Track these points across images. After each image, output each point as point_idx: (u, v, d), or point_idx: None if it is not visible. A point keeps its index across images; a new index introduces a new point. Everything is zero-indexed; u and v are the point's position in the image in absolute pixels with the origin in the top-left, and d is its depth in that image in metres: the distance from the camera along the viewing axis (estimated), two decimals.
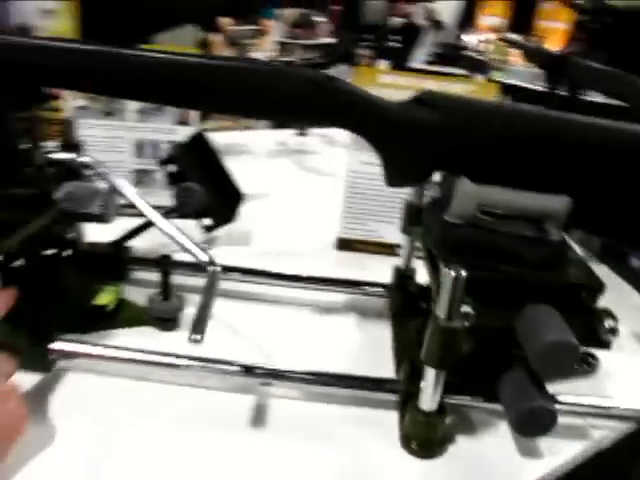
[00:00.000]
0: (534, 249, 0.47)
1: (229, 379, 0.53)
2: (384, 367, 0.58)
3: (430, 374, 0.46)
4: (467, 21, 4.18)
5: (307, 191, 1.11)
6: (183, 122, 0.87)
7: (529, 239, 0.47)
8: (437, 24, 3.18)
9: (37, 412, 0.49)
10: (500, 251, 0.47)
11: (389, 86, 0.80)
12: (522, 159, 0.48)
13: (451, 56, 3.17)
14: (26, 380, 0.52)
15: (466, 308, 0.45)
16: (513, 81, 2.95)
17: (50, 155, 0.58)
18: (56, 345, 0.54)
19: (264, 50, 3.86)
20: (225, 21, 6.69)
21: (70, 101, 0.86)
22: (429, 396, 0.47)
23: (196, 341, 0.45)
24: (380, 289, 0.71)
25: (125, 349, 0.54)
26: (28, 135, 0.56)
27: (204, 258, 0.56)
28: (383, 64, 1.59)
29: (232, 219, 0.83)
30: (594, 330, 0.47)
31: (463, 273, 0.42)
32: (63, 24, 2.14)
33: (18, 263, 0.55)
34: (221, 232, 0.83)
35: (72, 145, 0.62)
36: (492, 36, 3.74)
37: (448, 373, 0.46)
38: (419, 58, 2.66)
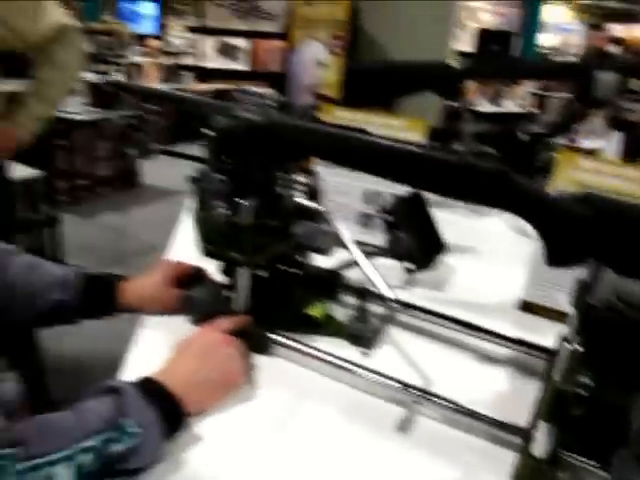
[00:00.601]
0: None
1: (388, 391, 0.69)
2: (523, 417, 0.68)
3: (542, 425, 0.56)
4: None
5: (503, 248, 1.20)
6: None
7: None
8: None
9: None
10: (628, 336, 0.55)
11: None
12: None
13: None
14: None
15: (583, 378, 0.54)
16: None
17: (295, 199, 0.80)
18: (275, 337, 0.75)
19: (514, 98, 3.93)
20: None
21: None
22: (539, 443, 0.57)
23: (365, 354, 0.62)
24: (543, 353, 0.80)
25: (320, 350, 0.73)
26: (287, 185, 0.79)
27: (390, 295, 0.72)
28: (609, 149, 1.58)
29: (431, 266, 0.98)
30: None
31: (580, 349, 0.52)
32: (331, 75, 2.51)
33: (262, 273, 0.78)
34: (420, 275, 0.99)
35: (312, 192, 0.84)
36: None
37: (563, 430, 0.56)
38: None
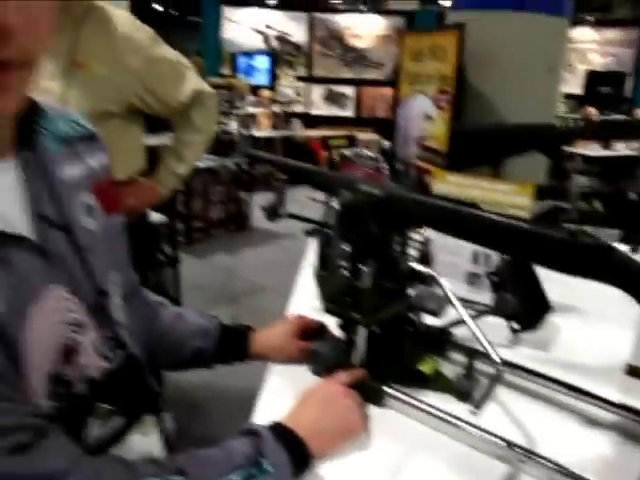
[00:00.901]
0: None
1: (493, 447, 0.74)
2: None
3: None
4: None
5: (611, 309, 1.21)
6: None
7: None
8: None
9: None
10: None
11: None
12: None
13: None
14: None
15: None
16: None
17: (409, 263, 0.88)
18: (388, 389, 0.83)
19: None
20: (591, 111, 6.54)
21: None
22: None
23: (474, 413, 0.68)
24: None
25: (429, 404, 0.79)
26: (402, 250, 0.88)
27: (496, 355, 0.78)
28: None
29: (536, 326, 1.02)
30: None
31: None
32: (438, 128, 2.60)
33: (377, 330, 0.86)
34: (525, 335, 1.03)
35: (424, 257, 0.92)
36: None
37: None
38: None
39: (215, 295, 3.61)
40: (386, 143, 6.85)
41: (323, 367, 0.87)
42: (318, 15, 8.27)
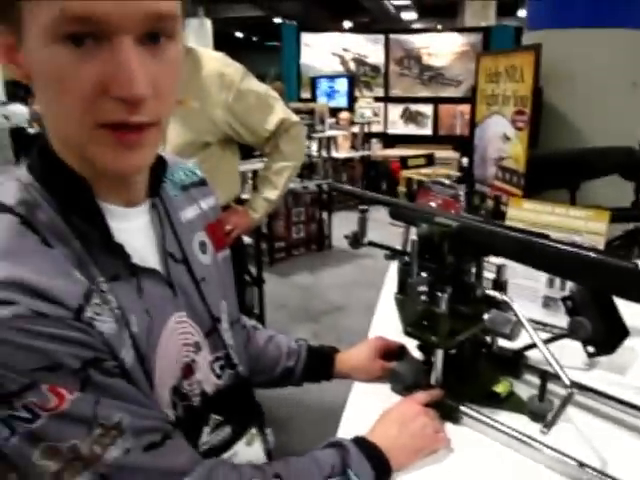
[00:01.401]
0: None
1: (564, 467, 0.78)
2: None
3: None
4: None
5: None
6: None
7: None
8: None
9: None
10: None
11: None
12: None
13: None
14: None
15: None
16: None
17: (485, 290, 0.94)
18: (464, 408, 0.88)
19: None
20: None
21: None
22: None
23: (544, 433, 0.73)
24: None
25: (503, 424, 0.85)
26: (477, 276, 0.94)
27: (566, 380, 0.82)
28: None
29: (613, 351, 1.04)
30: None
31: None
32: (516, 149, 2.61)
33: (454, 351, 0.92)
34: (602, 359, 1.05)
35: (500, 284, 0.97)
36: None
37: None
38: None
39: (296, 314, 3.73)
40: (464, 161, 6.83)
41: (403, 386, 0.94)
42: (394, 36, 8.36)
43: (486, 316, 0.92)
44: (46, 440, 0.55)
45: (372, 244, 1.11)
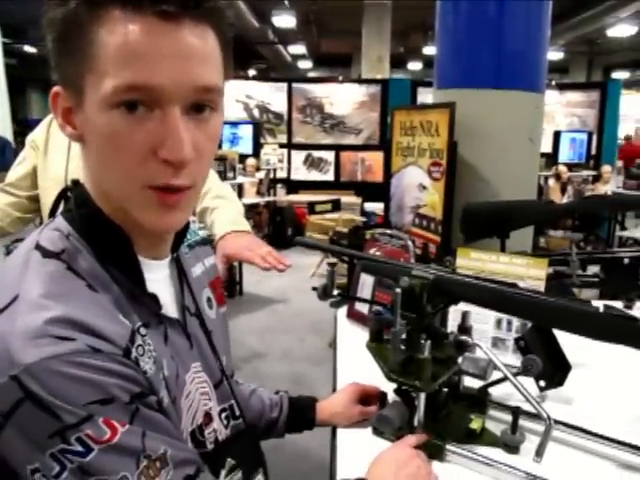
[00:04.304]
0: None
1: None
2: None
3: None
4: None
5: (618, 365, 1.36)
6: None
7: None
8: None
9: None
10: None
11: None
12: None
13: None
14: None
15: None
16: None
17: (455, 334, 1.03)
18: (448, 446, 0.95)
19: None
20: (562, 169, 6.98)
21: None
22: None
23: (536, 462, 0.81)
24: None
25: (481, 455, 0.92)
26: (442, 323, 1.02)
27: (543, 413, 0.91)
28: None
29: (562, 384, 1.16)
30: None
31: None
32: (433, 198, 2.78)
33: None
34: (550, 392, 1.17)
35: (465, 329, 1.06)
36: None
37: None
38: None
39: None
40: (367, 206, 7.11)
41: (392, 430, 0.99)
42: (296, 85, 8.66)
43: (460, 359, 1.00)
44: (97, 474, 0.55)
45: (341, 295, 1.18)
